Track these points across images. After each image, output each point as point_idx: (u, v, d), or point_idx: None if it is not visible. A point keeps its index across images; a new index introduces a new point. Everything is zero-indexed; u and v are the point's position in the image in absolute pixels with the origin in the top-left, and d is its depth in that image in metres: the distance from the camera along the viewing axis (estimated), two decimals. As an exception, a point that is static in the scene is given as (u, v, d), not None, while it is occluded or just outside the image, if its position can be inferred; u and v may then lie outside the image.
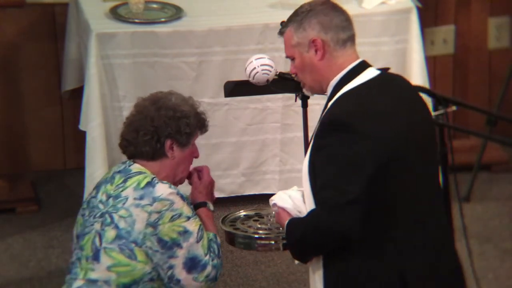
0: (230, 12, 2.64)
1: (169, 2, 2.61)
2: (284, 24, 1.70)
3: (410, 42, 2.70)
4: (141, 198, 1.67)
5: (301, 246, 1.63)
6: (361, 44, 2.66)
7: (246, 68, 1.89)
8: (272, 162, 2.71)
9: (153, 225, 1.66)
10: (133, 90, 2.55)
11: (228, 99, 2.41)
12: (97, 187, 1.72)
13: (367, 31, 2.68)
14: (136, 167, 1.71)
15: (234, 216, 1.81)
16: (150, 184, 1.68)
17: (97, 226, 1.66)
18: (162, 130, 1.70)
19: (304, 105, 1.97)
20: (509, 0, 2.95)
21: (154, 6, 2.61)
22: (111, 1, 2.64)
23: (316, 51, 1.65)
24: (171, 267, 1.66)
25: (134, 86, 2.56)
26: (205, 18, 2.61)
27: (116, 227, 1.66)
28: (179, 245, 1.66)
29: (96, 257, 1.65)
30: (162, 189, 1.68)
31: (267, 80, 1.88)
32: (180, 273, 1.66)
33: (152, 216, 1.66)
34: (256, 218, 1.83)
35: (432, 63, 2.90)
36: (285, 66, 2.51)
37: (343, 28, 1.67)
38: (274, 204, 1.72)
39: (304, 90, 1.73)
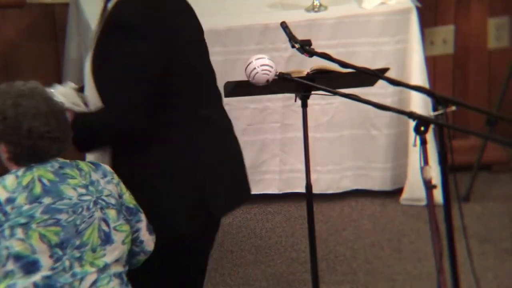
0: (230, 12, 2.64)
1: (169, 2, 2.63)
2: None
3: (410, 42, 2.71)
4: (105, 175, 1.70)
5: (89, 143, 1.73)
6: (361, 44, 2.73)
7: (246, 68, 1.89)
8: (272, 162, 2.72)
9: (121, 195, 1.72)
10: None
11: (228, 99, 2.41)
12: (39, 196, 1.62)
13: (367, 31, 2.68)
14: (62, 159, 1.69)
15: None
16: (94, 163, 1.72)
17: (97, 214, 1.66)
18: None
19: (304, 105, 1.98)
20: (509, 0, 2.95)
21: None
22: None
23: None
24: (137, 230, 1.73)
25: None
26: (205, 18, 2.58)
27: (112, 205, 1.69)
28: (139, 210, 1.74)
29: (107, 241, 1.67)
30: (105, 165, 1.74)
31: (267, 80, 1.88)
32: (144, 235, 1.74)
33: (118, 188, 1.72)
34: None
35: (431, 63, 2.90)
36: (285, 66, 2.52)
37: None
38: None
39: None
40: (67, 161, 1.68)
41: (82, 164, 1.70)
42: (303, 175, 2.00)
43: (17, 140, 1.63)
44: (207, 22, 2.62)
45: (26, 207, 1.62)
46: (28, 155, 1.64)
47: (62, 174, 1.65)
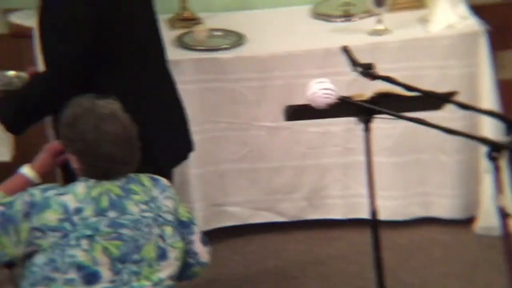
0: (291, 38, 2.66)
1: (232, 30, 2.66)
2: None
3: (479, 66, 2.64)
4: (163, 190, 1.75)
5: (26, 113, 1.81)
6: (427, 67, 2.69)
7: (306, 92, 1.89)
8: (334, 186, 2.69)
9: (176, 209, 1.76)
10: (197, 114, 2.58)
11: (289, 123, 2.41)
12: (105, 210, 1.67)
13: (433, 55, 2.63)
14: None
15: None
16: (154, 178, 1.76)
17: (155, 231, 1.71)
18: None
19: (366, 129, 1.95)
20: None
21: (218, 33, 2.66)
22: (178, 30, 2.70)
23: None
24: (190, 242, 1.78)
25: (198, 111, 2.60)
26: (266, 44, 2.64)
27: (169, 222, 1.74)
28: (193, 222, 1.79)
29: (163, 257, 1.71)
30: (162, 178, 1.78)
31: (328, 104, 1.88)
32: (198, 247, 1.78)
33: (174, 202, 1.76)
34: None
35: (503, 87, 2.81)
36: (347, 90, 2.50)
37: None
38: None
39: None
40: (132, 175, 1.73)
41: (144, 179, 1.75)
42: (367, 200, 1.96)
43: (91, 161, 1.69)
44: (268, 47, 2.68)
45: (92, 220, 1.68)
46: (98, 175, 1.70)
47: (127, 189, 1.71)
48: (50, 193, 1.69)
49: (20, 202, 1.69)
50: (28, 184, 1.77)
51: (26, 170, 1.78)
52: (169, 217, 1.72)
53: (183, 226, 1.76)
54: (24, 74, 2.04)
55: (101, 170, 1.69)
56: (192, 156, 2.50)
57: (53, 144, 1.79)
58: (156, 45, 1.98)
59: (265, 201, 2.69)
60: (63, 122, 1.70)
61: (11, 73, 2.09)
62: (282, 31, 2.67)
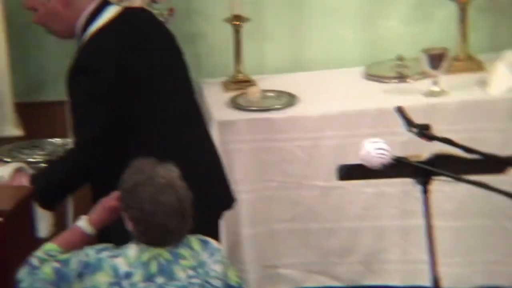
0: (343, 98, 2.64)
1: (284, 91, 2.68)
2: None
3: (542, 129, 2.55)
4: (212, 254, 1.72)
5: (56, 190, 1.83)
6: (487, 130, 2.60)
7: (360, 152, 1.85)
8: (392, 250, 2.60)
9: (225, 273, 1.72)
10: (248, 173, 2.58)
11: (342, 182, 2.37)
12: (154, 275, 1.65)
13: (494, 117, 2.56)
14: None
15: None
16: (203, 240, 1.73)
17: None
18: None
19: (425, 191, 1.88)
20: None
21: (270, 94, 2.69)
22: (232, 92, 2.72)
23: None
24: None
25: (249, 170, 2.59)
26: (318, 104, 2.64)
27: (216, 287, 1.70)
28: (241, 286, 1.74)
29: None
30: (212, 240, 1.75)
31: (383, 164, 1.83)
32: None
33: (224, 266, 1.73)
34: None
35: None
36: (401, 151, 2.44)
37: None
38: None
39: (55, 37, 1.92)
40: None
41: (193, 242, 1.73)
42: (428, 267, 1.86)
43: (145, 229, 1.70)
44: (320, 107, 2.67)
45: (140, 285, 1.67)
46: (150, 241, 1.71)
47: (176, 254, 1.70)
48: (104, 254, 1.70)
49: (75, 261, 1.70)
50: (84, 237, 1.77)
51: (83, 224, 1.78)
52: (217, 282, 1.70)
53: None
54: (70, 142, 2.10)
55: (153, 238, 1.70)
56: (244, 215, 2.44)
57: (111, 199, 1.79)
58: (190, 106, 1.98)
59: (319, 263, 2.62)
60: (123, 186, 1.71)
61: (58, 140, 2.13)
62: (334, 91, 2.66)
